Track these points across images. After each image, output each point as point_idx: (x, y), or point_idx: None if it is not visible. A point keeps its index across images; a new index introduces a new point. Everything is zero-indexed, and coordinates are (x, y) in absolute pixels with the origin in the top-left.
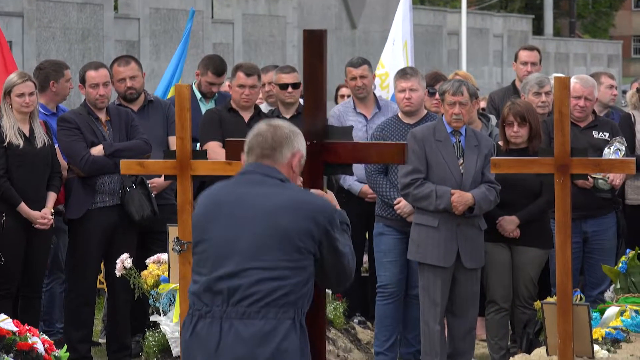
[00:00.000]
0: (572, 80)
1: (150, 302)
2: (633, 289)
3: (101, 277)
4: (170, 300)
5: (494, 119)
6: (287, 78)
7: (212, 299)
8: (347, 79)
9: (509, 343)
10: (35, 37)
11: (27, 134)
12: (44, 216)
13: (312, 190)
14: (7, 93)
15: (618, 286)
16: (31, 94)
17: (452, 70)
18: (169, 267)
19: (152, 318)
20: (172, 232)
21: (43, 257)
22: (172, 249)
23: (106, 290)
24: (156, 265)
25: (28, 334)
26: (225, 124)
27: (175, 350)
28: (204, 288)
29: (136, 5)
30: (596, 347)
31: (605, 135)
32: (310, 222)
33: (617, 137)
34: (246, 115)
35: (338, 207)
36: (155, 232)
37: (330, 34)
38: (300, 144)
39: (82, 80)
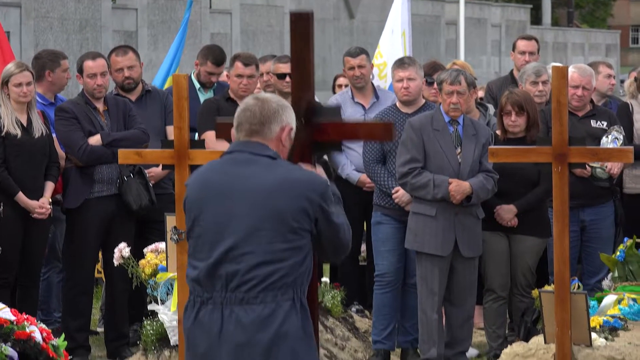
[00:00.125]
0: (570, 69)
1: (148, 291)
2: (631, 277)
3: (99, 266)
4: (168, 289)
5: (491, 108)
6: (284, 68)
7: (212, 285)
8: (345, 68)
9: (506, 331)
10: (32, 28)
11: (25, 124)
12: (41, 206)
13: (302, 165)
14: (5, 83)
15: (616, 274)
16: (28, 83)
17: (450, 60)
18: (166, 256)
19: (149, 307)
20: (170, 221)
21: (41, 246)
22: (170, 238)
23: (104, 279)
24: (154, 254)
25: (26, 323)
26: (223, 114)
27: (174, 339)
28: (204, 274)
29: None
30: (594, 335)
31: (603, 125)
32: (304, 200)
33: (615, 126)
34: None
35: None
36: (153, 221)
37: (328, 23)
38: (289, 118)
39: (80, 70)
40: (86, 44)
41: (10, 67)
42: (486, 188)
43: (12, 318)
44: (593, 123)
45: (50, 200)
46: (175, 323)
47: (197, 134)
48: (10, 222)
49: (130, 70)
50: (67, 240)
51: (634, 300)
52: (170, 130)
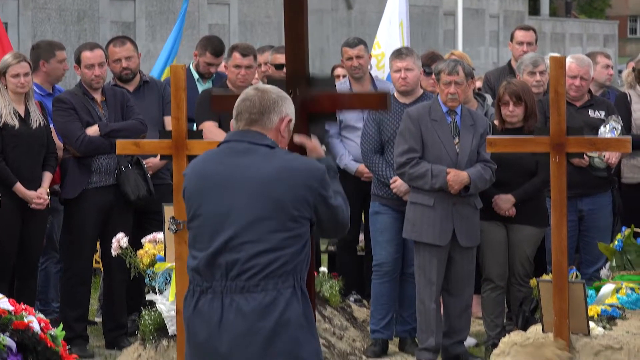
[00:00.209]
0: (568, 59)
1: (146, 281)
2: (629, 266)
3: (97, 256)
4: (166, 279)
5: (489, 99)
6: (282, 58)
7: (212, 274)
8: (344, 59)
9: (504, 321)
10: (30, 19)
11: (23, 115)
12: (39, 196)
13: (296, 137)
14: (2, 74)
15: (614, 264)
16: (26, 74)
17: (448, 50)
18: (164, 247)
19: (148, 297)
20: (168, 211)
21: (39, 237)
22: (168, 229)
23: (102, 269)
24: (152, 244)
25: (24, 313)
26: None
27: (172, 329)
28: (203, 263)
29: None
30: (592, 324)
31: (601, 115)
32: (304, 188)
33: (613, 116)
34: None
35: (322, 154)
36: (151, 211)
37: (326, 14)
38: (288, 109)
39: (78, 61)
40: (84, 34)
41: (8, 58)
42: (484, 178)
43: (10, 308)
44: (591, 113)
45: (48, 190)
46: (173, 313)
47: (195, 125)
48: (8, 213)
49: (128, 61)
50: (64, 230)
51: (632, 289)
52: (168, 121)
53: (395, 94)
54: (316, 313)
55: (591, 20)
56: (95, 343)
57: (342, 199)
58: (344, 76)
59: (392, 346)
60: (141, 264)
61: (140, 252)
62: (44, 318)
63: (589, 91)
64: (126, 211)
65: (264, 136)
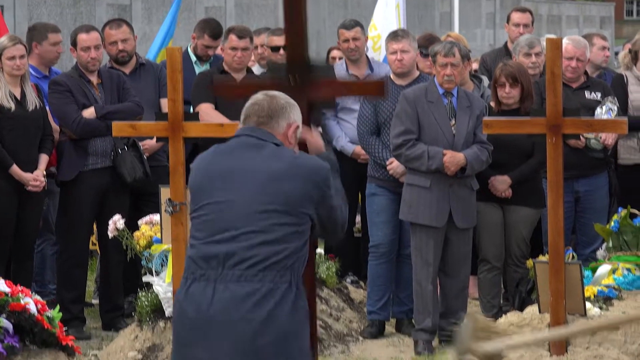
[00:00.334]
0: (564, 41)
1: (143, 262)
2: (625, 247)
3: (94, 238)
4: (163, 260)
5: (485, 80)
6: (278, 40)
7: (208, 262)
8: (340, 41)
9: (501, 301)
10: (26, 1)
11: (19, 97)
12: (36, 178)
13: (300, 129)
14: None
15: (610, 244)
16: (22, 56)
17: (444, 32)
18: (161, 228)
19: (144, 279)
20: (165, 193)
21: (35, 219)
22: (165, 210)
23: (99, 251)
24: (148, 226)
25: (21, 295)
26: None
27: (168, 310)
28: (201, 251)
29: None
30: (588, 304)
31: (597, 96)
32: (309, 185)
33: (609, 97)
34: (238, 77)
35: (323, 149)
36: (147, 193)
37: None
38: (296, 115)
39: (74, 43)
40: (80, 17)
41: (3, 40)
42: (480, 159)
43: (7, 290)
44: (587, 94)
45: (45, 173)
46: (169, 294)
47: (191, 107)
48: (4, 195)
49: (124, 43)
50: (61, 212)
51: (628, 270)
52: (165, 103)
53: (392, 76)
54: (316, 307)
55: (587, 2)
56: (91, 325)
57: (341, 199)
58: (340, 58)
59: (389, 327)
60: (138, 246)
61: (136, 233)
62: (41, 300)
63: (585, 73)
64: (122, 193)
65: (272, 135)
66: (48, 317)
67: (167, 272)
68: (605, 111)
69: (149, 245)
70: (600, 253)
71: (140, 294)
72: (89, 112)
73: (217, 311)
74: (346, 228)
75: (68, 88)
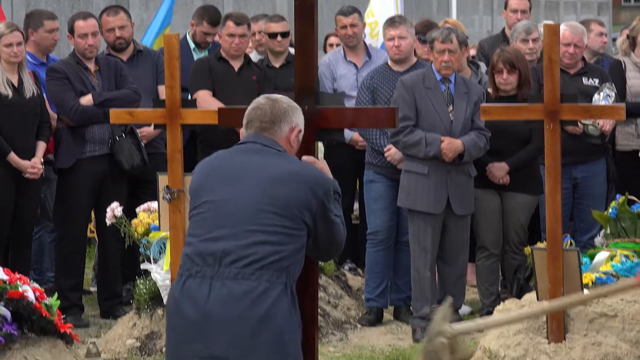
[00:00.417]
0: (562, 27)
1: (141, 250)
2: (623, 234)
3: (92, 226)
4: (161, 248)
5: (483, 67)
6: (276, 27)
7: (204, 260)
8: (338, 27)
9: (499, 288)
10: None
11: (16, 84)
12: (33, 166)
13: (305, 158)
14: None
15: (608, 231)
16: (19, 44)
17: (442, 18)
18: (159, 216)
19: (142, 266)
20: (162, 180)
21: (33, 207)
22: (162, 198)
23: (97, 239)
24: (146, 213)
25: (19, 283)
26: (215, 73)
27: (166, 298)
28: (197, 249)
29: None
30: (586, 291)
31: (594, 82)
32: (309, 193)
33: (607, 84)
34: (236, 65)
35: (330, 175)
36: (145, 181)
37: None
38: (298, 119)
39: (71, 31)
40: (77, 4)
41: (1, 27)
42: (478, 146)
43: (5, 277)
44: (585, 80)
45: (42, 160)
46: (167, 282)
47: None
48: (1, 183)
49: (122, 30)
50: (58, 200)
51: (626, 256)
52: (162, 90)
53: (389, 62)
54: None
55: None
56: (90, 312)
57: (340, 220)
58: (337, 45)
59: (387, 314)
60: (135, 233)
61: (134, 221)
62: (39, 287)
63: (583, 59)
64: (120, 180)
65: (276, 142)
66: (46, 305)
67: (165, 260)
68: (603, 97)
69: (146, 232)
70: (598, 240)
71: (138, 281)
72: (87, 100)
73: (214, 308)
74: (341, 251)
75: (65, 75)
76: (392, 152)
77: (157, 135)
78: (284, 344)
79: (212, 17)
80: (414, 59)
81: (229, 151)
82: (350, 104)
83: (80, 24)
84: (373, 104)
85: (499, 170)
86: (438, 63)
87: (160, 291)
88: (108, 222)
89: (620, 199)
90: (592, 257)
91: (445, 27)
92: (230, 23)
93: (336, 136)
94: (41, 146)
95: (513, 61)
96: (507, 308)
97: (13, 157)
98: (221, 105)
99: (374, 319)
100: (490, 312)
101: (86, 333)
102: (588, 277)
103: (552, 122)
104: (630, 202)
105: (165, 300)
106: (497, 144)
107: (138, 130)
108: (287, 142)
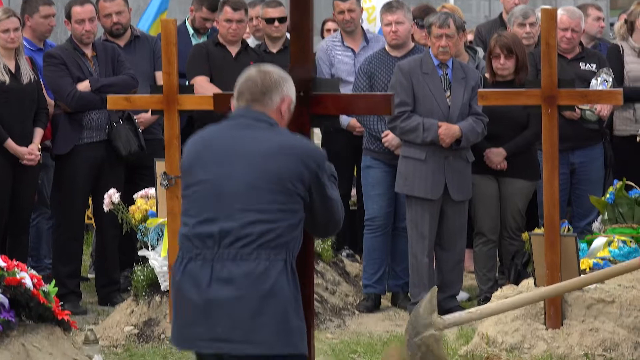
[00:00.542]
0: (559, 12)
1: (139, 236)
2: (620, 219)
3: (89, 212)
4: (159, 234)
5: (481, 52)
6: (273, 12)
7: (203, 242)
8: (335, 12)
9: (497, 274)
10: None
11: (13, 70)
12: (31, 152)
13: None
14: None
15: (605, 217)
16: (16, 29)
17: (439, 3)
18: (157, 202)
19: (140, 253)
20: (160, 166)
21: (30, 193)
22: (160, 184)
23: (94, 225)
24: (144, 200)
25: (16, 270)
26: (212, 59)
27: (164, 284)
28: (194, 230)
29: None
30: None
31: (592, 67)
32: (301, 165)
33: (604, 69)
34: (233, 50)
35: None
36: (142, 167)
37: None
38: (289, 90)
39: (68, 16)
40: None
41: None
42: (476, 131)
43: (2, 264)
44: (582, 65)
45: (40, 146)
46: (165, 269)
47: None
48: None
49: (119, 15)
50: (56, 186)
51: (624, 242)
52: (159, 76)
53: (387, 48)
54: (313, 294)
55: None
56: (87, 299)
57: (337, 196)
58: (335, 30)
59: (385, 301)
60: (133, 220)
61: (132, 207)
62: (36, 274)
63: (580, 44)
64: (118, 166)
65: (266, 115)
66: (44, 292)
67: (163, 246)
68: (601, 82)
69: (144, 219)
70: (595, 225)
71: (136, 268)
72: (84, 85)
73: (216, 291)
74: (340, 228)
75: (62, 61)
76: (389, 138)
77: (155, 121)
78: (289, 319)
79: (211, 2)
80: (412, 44)
81: (219, 127)
82: (347, 89)
83: (77, 10)
84: (370, 90)
85: (497, 155)
86: (435, 48)
87: (158, 278)
88: (105, 208)
89: (618, 184)
90: (589, 243)
91: (443, 12)
92: (227, 8)
93: (332, 122)
94: (38, 132)
95: (510, 46)
96: (505, 294)
97: (10, 143)
98: (218, 91)
99: (372, 306)
100: (487, 299)
101: (84, 320)
102: (585, 263)
103: (549, 107)
104: (628, 188)
105: (163, 287)
106: (494, 130)
107: (135, 116)
108: (278, 113)
